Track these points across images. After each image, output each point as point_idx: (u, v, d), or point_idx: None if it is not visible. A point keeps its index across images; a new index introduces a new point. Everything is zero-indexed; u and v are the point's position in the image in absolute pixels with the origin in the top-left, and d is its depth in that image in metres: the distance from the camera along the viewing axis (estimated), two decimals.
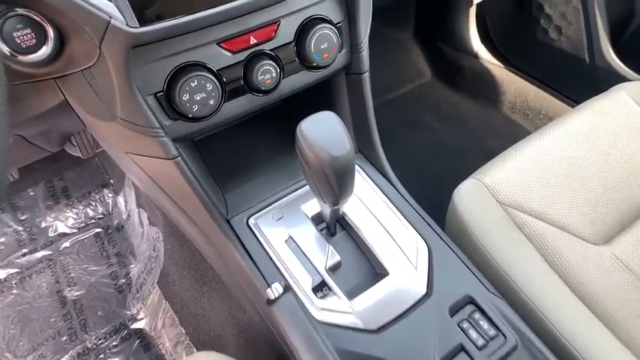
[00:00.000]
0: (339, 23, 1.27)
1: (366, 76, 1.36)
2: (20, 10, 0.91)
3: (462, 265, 1.02)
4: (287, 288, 0.95)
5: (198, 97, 1.09)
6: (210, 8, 1.00)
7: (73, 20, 0.92)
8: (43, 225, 2.35)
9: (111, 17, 0.93)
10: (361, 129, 1.43)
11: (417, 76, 2.81)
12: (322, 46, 1.21)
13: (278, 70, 1.17)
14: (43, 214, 2.36)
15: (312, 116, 0.96)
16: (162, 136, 1.11)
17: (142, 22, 0.95)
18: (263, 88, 1.18)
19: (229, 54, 1.14)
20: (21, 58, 0.95)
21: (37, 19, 0.92)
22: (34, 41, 0.94)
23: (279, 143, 1.47)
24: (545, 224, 1.14)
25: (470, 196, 1.22)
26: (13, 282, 2.21)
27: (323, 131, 0.81)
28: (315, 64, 1.24)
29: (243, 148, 1.47)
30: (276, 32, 1.18)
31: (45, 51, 0.97)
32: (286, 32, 1.19)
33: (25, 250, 2.29)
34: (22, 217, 2.37)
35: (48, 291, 2.16)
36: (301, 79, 1.26)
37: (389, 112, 2.58)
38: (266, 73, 1.16)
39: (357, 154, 1.44)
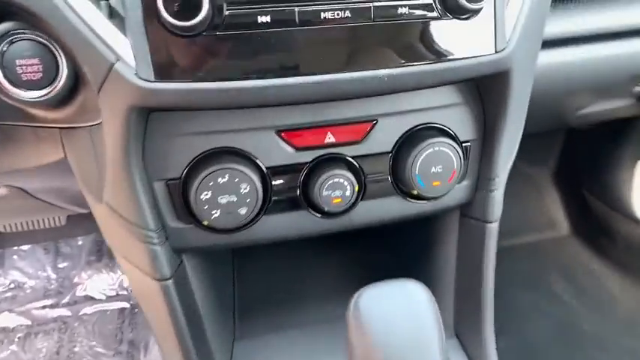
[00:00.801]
0: (466, 142, 0.84)
1: (494, 227, 0.88)
2: (30, 34, 0.66)
3: None
4: None
5: (223, 200, 0.71)
6: (283, 76, 0.64)
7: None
8: (76, 280, 2.13)
9: (118, 59, 0.60)
10: (466, 303, 0.93)
11: (548, 225, 2.20)
12: (433, 170, 0.79)
13: (355, 189, 0.76)
14: (80, 269, 2.15)
15: (382, 286, 0.52)
16: (155, 243, 0.73)
17: (165, 75, 0.61)
18: (326, 209, 0.77)
19: (291, 150, 0.76)
20: (14, 92, 0.69)
21: (51, 47, 0.66)
22: (39, 75, 0.69)
23: (336, 283, 1.01)
24: None
25: None
26: (18, 336, 1.96)
27: (393, 321, 0.52)
28: (416, 193, 0.80)
29: (283, 274, 1.05)
30: (367, 135, 0.78)
31: (50, 91, 0.69)
32: (383, 138, 0.80)
33: (47, 302, 2.05)
34: (61, 266, 2.17)
35: None
36: (390, 208, 0.84)
37: (502, 264, 1.96)
38: (336, 188, 0.76)
39: (452, 339, 0.92)
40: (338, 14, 0.64)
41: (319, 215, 0.81)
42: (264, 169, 0.76)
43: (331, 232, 0.85)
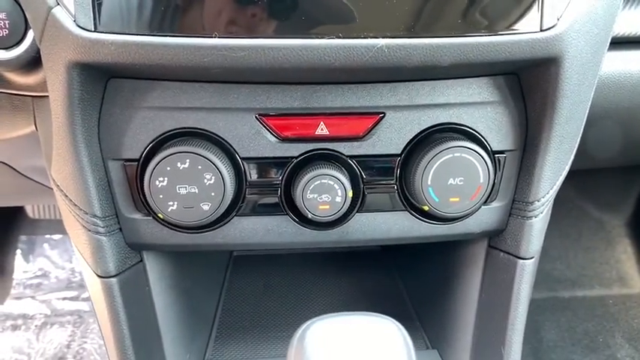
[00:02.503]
0: (500, 153, 0.66)
1: (529, 266, 0.69)
2: None
3: None
4: None
5: (182, 191, 0.59)
6: (251, 36, 0.51)
7: None
8: None
9: (58, 2, 0.50)
10: (484, 357, 0.72)
11: (617, 280, 1.91)
12: (452, 181, 0.62)
13: (348, 195, 0.61)
14: None
15: (335, 319, 0.38)
16: (100, 232, 0.62)
17: (108, 24, 0.50)
18: (310, 216, 0.62)
19: (273, 139, 0.62)
20: None
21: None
22: (5, 32, 0.62)
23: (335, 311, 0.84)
24: None
25: None
26: (35, 324, 1.94)
27: None
28: (427, 209, 0.64)
29: (279, 292, 0.90)
30: (371, 130, 0.63)
31: (17, 51, 0.62)
32: (391, 136, 0.64)
33: (68, 294, 2.04)
34: None
35: (51, 354, 1.81)
36: (394, 226, 0.67)
37: (557, 318, 1.72)
38: (324, 191, 0.61)
39: None
40: None
41: (303, 223, 0.66)
42: (240, 160, 0.63)
43: (321, 247, 0.70)
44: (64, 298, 2.05)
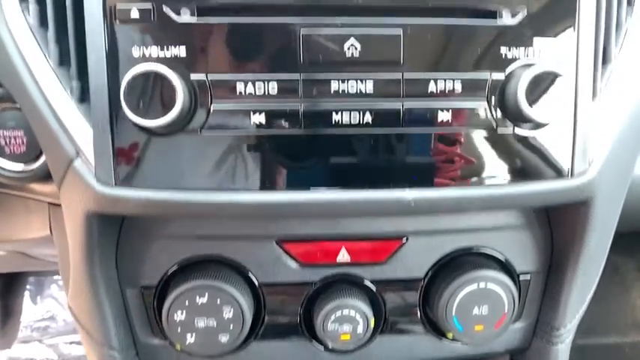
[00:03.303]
0: (525, 274, 0.64)
1: None
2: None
3: None
4: None
5: (200, 324, 0.58)
6: (278, 190, 0.50)
7: None
8: None
9: (78, 153, 0.50)
10: None
11: (632, 327, 1.95)
12: (476, 311, 0.60)
13: (370, 324, 0.60)
14: None
15: None
16: None
17: (129, 180, 0.49)
18: (330, 346, 0.60)
19: (294, 265, 0.61)
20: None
21: None
22: (23, 148, 0.63)
23: None
24: None
25: None
26: None
27: None
28: (451, 337, 0.62)
29: None
30: (393, 255, 0.62)
31: (33, 165, 0.63)
32: (413, 261, 0.63)
33: (75, 338, 2.04)
34: None
35: None
36: (417, 348, 0.66)
37: None
38: (345, 321, 0.59)
39: None
40: (355, 117, 0.49)
41: (323, 349, 0.65)
42: (258, 285, 0.62)
43: None
44: (72, 342, 2.04)
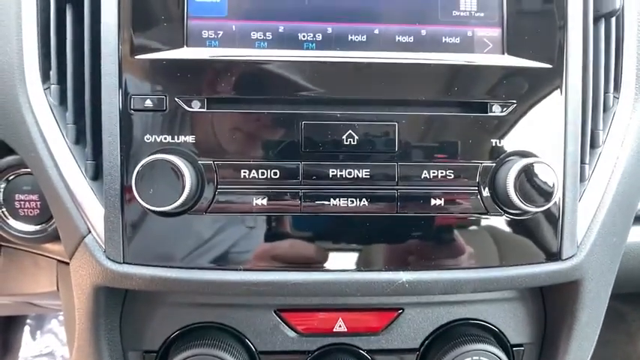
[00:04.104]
0: (518, 346, 0.65)
1: None
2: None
3: None
4: None
5: None
6: (278, 270, 0.52)
7: None
8: None
9: (90, 230, 0.52)
10: None
11: None
12: None
13: None
14: None
15: None
16: None
17: (137, 257, 0.52)
18: None
19: (292, 334, 0.62)
20: (12, 224, 0.67)
21: None
22: (37, 211, 0.67)
23: None
24: None
25: None
26: None
27: None
28: None
29: None
30: (389, 325, 0.63)
31: (45, 227, 0.66)
32: (409, 331, 0.64)
33: None
34: None
35: None
36: None
37: None
38: None
39: None
40: (352, 202, 0.52)
41: None
42: (256, 353, 0.63)
43: None
44: None
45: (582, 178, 0.58)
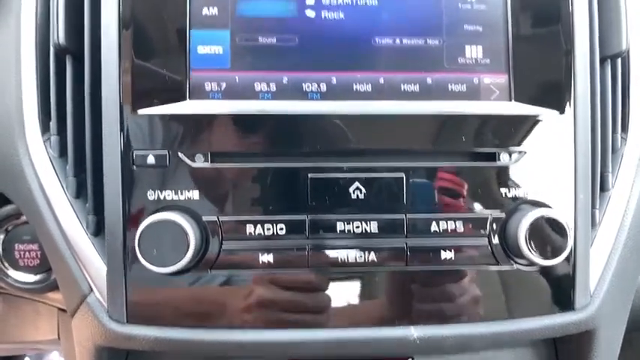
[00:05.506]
0: None
1: None
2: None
3: None
4: None
5: None
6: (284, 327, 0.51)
7: None
8: None
9: (92, 289, 0.51)
10: None
11: None
12: None
13: None
14: None
15: None
16: None
17: (140, 318, 0.50)
18: None
19: None
20: (12, 274, 0.66)
21: None
22: (37, 261, 0.66)
23: None
24: None
25: None
26: None
27: None
28: None
29: None
30: None
31: (44, 277, 0.66)
32: None
33: None
34: None
35: None
36: None
37: None
38: None
39: None
40: (360, 256, 0.51)
41: None
42: None
43: None
44: None
45: (593, 224, 0.57)
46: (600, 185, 0.59)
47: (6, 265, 0.67)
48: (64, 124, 0.55)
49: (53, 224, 0.54)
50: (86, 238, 0.53)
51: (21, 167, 0.56)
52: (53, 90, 0.55)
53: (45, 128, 0.56)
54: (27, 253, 0.67)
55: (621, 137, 0.62)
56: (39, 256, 0.66)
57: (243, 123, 0.51)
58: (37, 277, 0.67)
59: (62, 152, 0.56)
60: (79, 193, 0.55)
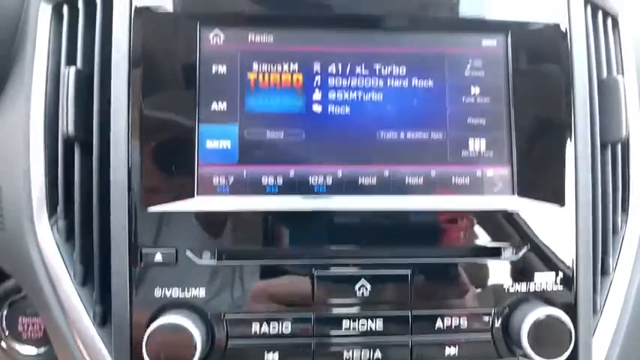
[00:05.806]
0: None
1: None
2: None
3: None
4: None
5: None
6: None
7: None
8: None
9: None
10: None
11: None
12: None
13: None
14: None
15: None
16: None
17: None
18: None
19: None
20: (17, 348, 0.67)
21: None
22: (40, 334, 0.68)
23: None
24: None
25: None
26: None
27: None
28: None
29: None
30: None
31: (48, 349, 0.67)
32: None
33: None
34: None
35: None
36: None
37: None
38: None
39: None
40: (366, 355, 0.51)
41: None
42: None
43: None
44: None
45: (595, 311, 0.57)
46: (601, 269, 0.59)
47: (10, 339, 0.67)
48: (71, 209, 0.56)
49: (59, 313, 0.54)
50: (92, 328, 0.53)
51: (28, 252, 0.56)
52: (61, 176, 0.56)
53: (52, 210, 0.57)
54: (30, 326, 0.67)
55: (621, 218, 0.62)
56: (42, 328, 0.67)
57: (250, 221, 0.51)
58: (42, 350, 0.67)
59: (69, 237, 0.56)
60: (86, 281, 0.55)
